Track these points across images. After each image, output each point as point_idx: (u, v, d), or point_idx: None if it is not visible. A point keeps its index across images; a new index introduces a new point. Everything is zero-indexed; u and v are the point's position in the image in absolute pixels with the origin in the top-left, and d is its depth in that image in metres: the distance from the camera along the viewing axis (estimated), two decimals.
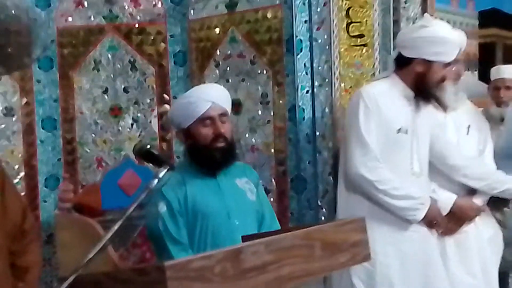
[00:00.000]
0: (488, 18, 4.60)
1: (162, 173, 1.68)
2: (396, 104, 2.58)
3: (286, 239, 1.54)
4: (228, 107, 2.26)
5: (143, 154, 1.78)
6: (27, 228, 1.77)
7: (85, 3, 3.49)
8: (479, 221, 2.85)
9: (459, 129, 2.87)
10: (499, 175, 2.80)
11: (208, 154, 2.19)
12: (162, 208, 2.15)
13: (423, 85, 2.55)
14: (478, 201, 2.82)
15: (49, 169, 3.47)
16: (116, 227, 1.55)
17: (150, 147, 1.77)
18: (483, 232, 2.87)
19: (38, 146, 3.45)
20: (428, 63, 2.53)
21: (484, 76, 4.41)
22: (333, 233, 1.64)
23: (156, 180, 1.65)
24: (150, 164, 2.03)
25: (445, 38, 2.51)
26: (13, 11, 3.29)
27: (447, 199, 2.76)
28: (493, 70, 3.48)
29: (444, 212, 2.76)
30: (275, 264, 1.49)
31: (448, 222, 2.77)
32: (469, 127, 2.89)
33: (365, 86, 2.77)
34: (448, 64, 2.56)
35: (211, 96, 2.21)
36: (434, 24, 2.54)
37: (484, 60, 4.41)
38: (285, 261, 1.51)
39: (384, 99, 2.55)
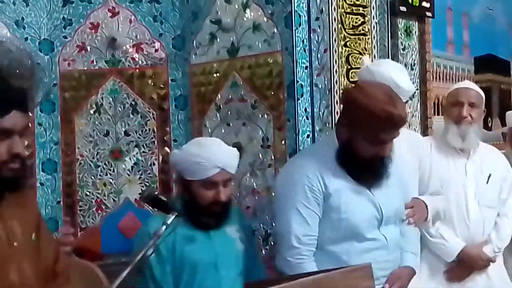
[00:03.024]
0: (483, 63, 4.67)
1: (170, 219, 1.69)
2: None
3: (294, 287, 1.55)
4: (234, 170, 2.24)
5: (151, 200, 1.79)
6: (58, 270, 1.79)
7: (88, 48, 3.55)
8: (491, 271, 2.82)
9: (478, 177, 2.82)
10: None
11: (203, 216, 2.18)
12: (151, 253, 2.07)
13: None
14: (488, 251, 2.79)
15: (49, 212, 3.46)
16: (125, 273, 1.55)
17: (158, 193, 1.79)
18: (495, 283, 2.82)
19: (38, 189, 3.44)
20: None
21: None
22: (341, 281, 1.64)
23: (164, 227, 1.66)
24: (156, 209, 2.04)
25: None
26: (16, 55, 3.35)
27: (455, 245, 2.74)
28: None
29: (451, 258, 2.75)
30: None
31: (456, 269, 2.76)
32: (489, 176, 2.82)
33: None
34: None
35: (222, 162, 2.17)
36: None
37: None
38: None
39: None
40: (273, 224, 2.36)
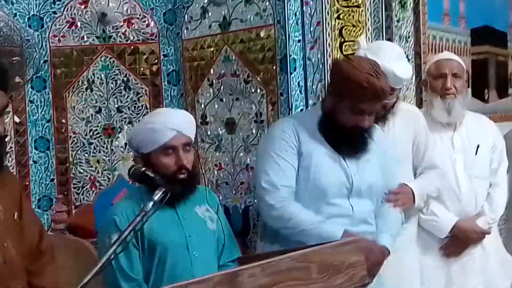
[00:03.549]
0: (480, 35, 4.62)
1: (157, 196, 1.67)
2: None
3: (283, 261, 1.54)
4: (192, 135, 2.18)
5: (138, 176, 1.77)
6: (43, 248, 1.80)
7: (78, 24, 3.50)
8: (487, 243, 2.79)
9: (466, 149, 2.81)
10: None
11: (170, 187, 1.99)
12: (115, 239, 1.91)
13: None
14: (482, 223, 2.77)
15: (42, 190, 3.45)
16: (112, 250, 1.54)
17: (145, 169, 1.76)
18: (491, 254, 2.81)
19: (31, 167, 3.43)
20: None
21: (477, 93, 4.42)
22: (330, 255, 1.63)
23: (151, 203, 1.64)
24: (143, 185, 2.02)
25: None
26: (6, 32, 3.30)
27: (447, 220, 2.73)
28: None
29: (444, 234, 2.74)
30: (272, 287, 1.48)
31: (451, 245, 2.74)
32: (478, 146, 2.81)
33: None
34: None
35: (176, 125, 2.11)
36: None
37: (476, 77, 4.43)
38: (282, 284, 1.50)
39: None
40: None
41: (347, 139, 2.26)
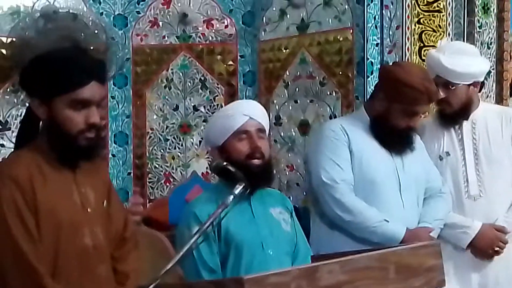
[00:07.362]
0: None
1: (237, 190, 1.71)
2: None
3: (361, 260, 1.54)
4: (265, 124, 2.15)
5: (219, 170, 1.81)
6: (127, 236, 1.87)
7: (160, 23, 3.61)
8: None
9: None
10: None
11: (243, 169, 2.00)
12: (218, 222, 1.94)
13: None
14: None
15: (119, 183, 3.57)
16: (192, 240, 1.58)
17: (226, 164, 1.81)
18: None
19: (110, 160, 3.56)
20: None
21: None
22: (408, 257, 1.62)
23: (232, 197, 1.68)
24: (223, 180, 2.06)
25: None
26: (92, 29, 3.45)
27: None
28: None
29: None
30: (349, 285, 1.49)
31: None
32: None
33: None
34: None
35: (248, 111, 2.11)
36: None
37: None
38: (359, 282, 1.50)
39: None
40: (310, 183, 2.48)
41: (399, 138, 2.41)
